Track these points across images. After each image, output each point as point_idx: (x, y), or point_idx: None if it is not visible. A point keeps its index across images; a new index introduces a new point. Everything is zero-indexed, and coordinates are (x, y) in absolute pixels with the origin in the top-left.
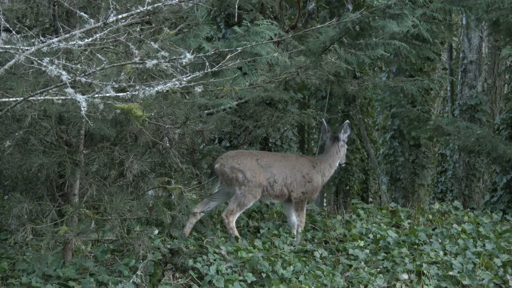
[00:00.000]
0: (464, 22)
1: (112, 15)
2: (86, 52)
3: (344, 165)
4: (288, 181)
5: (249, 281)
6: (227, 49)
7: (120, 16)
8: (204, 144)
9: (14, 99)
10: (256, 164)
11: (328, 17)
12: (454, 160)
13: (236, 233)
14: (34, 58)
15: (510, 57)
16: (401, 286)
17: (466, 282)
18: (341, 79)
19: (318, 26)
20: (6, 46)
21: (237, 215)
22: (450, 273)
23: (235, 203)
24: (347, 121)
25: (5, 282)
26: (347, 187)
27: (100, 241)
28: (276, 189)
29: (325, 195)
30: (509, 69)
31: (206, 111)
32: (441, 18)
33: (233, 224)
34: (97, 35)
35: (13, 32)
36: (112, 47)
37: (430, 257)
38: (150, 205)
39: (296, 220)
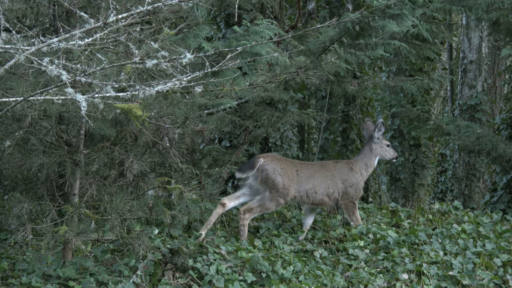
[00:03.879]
0: (464, 22)
1: (112, 15)
2: (86, 52)
3: (396, 161)
4: (330, 191)
5: (249, 281)
6: (227, 49)
7: (120, 16)
8: (204, 144)
9: (14, 99)
10: (296, 175)
11: (328, 17)
12: (454, 160)
13: (246, 232)
14: (34, 58)
15: (510, 57)
16: (401, 286)
17: (466, 282)
18: (341, 79)
19: (318, 26)
20: (6, 46)
21: (255, 215)
22: (450, 273)
23: (258, 203)
24: (381, 120)
25: (5, 282)
26: None
27: (100, 241)
28: (317, 198)
29: None
30: (509, 69)
31: (206, 111)
32: (441, 18)
33: (247, 222)
34: (97, 35)
35: (13, 32)
36: (112, 47)
37: (430, 257)
38: (150, 205)
39: (351, 223)
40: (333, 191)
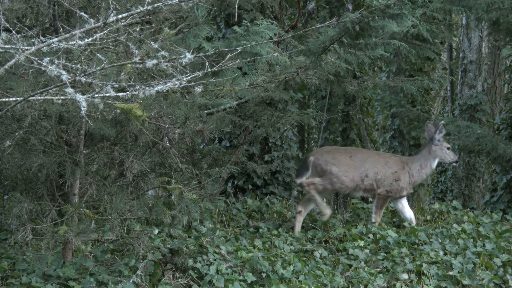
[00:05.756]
0: (464, 22)
1: (112, 15)
2: (86, 52)
3: (455, 164)
4: (379, 176)
5: (249, 281)
6: (227, 49)
7: (120, 16)
8: (204, 144)
9: (14, 99)
10: (350, 160)
11: (328, 17)
12: None
13: (320, 199)
14: (34, 58)
15: (510, 57)
16: (401, 286)
17: (466, 282)
18: (341, 79)
19: (318, 26)
20: (6, 46)
21: (320, 188)
22: (450, 273)
23: (322, 181)
24: (442, 121)
25: (5, 282)
26: None
27: (100, 241)
28: (367, 183)
29: None
30: (509, 69)
31: (206, 111)
32: (441, 18)
33: (314, 193)
34: (97, 35)
35: (13, 32)
36: (112, 47)
37: (430, 257)
38: (150, 205)
39: (373, 215)
40: (381, 177)
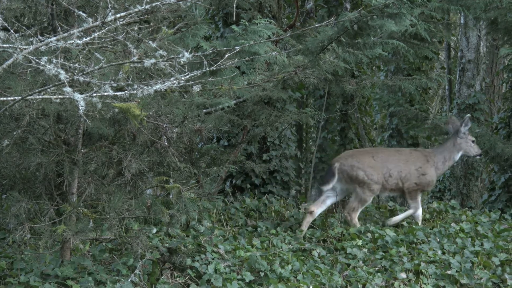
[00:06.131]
0: (462, 21)
1: (110, 14)
2: (84, 51)
3: (479, 157)
4: (403, 174)
5: (247, 280)
6: (225, 48)
7: (118, 15)
8: (202, 143)
9: (12, 98)
10: (373, 161)
11: (326, 16)
12: None
13: (358, 226)
14: (32, 57)
15: (508, 56)
16: (399, 285)
17: (464, 281)
18: (339, 78)
19: (316, 25)
20: (5, 45)
21: (359, 211)
22: (448, 272)
23: (356, 200)
24: (468, 115)
25: (4, 281)
26: None
27: (98, 240)
28: (392, 182)
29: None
30: (507, 68)
31: (204, 110)
32: (439, 17)
33: (355, 220)
34: (95, 34)
35: (11, 31)
36: (110, 46)
37: (428, 256)
38: (148, 204)
39: (411, 209)
40: (405, 175)
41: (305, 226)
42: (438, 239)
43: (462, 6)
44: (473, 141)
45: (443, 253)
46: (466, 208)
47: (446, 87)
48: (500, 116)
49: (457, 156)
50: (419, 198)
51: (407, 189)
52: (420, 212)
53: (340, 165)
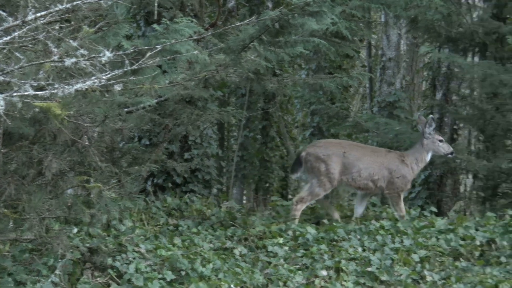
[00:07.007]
0: (383, 20)
1: (30, 13)
2: (4, 51)
3: (451, 156)
4: (375, 177)
5: (168, 279)
6: (146, 47)
7: (39, 14)
8: (124, 142)
9: None
10: (342, 157)
11: (248, 15)
12: None
13: (296, 221)
14: None
15: (428, 54)
16: (320, 283)
17: (384, 278)
18: (260, 77)
19: (238, 24)
20: None
21: (307, 204)
22: (369, 269)
23: (308, 192)
24: (431, 115)
25: None
26: (267, 184)
27: (19, 241)
28: (360, 182)
29: (244, 192)
30: (427, 66)
31: (125, 109)
32: (360, 15)
33: (298, 212)
34: (16, 33)
35: None
36: (31, 45)
37: (349, 254)
38: (69, 204)
39: (395, 213)
40: (378, 178)
41: (335, 216)
42: (358, 237)
43: (383, 4)
44: (440, 141)
45: (364, 250)
46: (387, 205)
47: (367, 85)
48: (420, 113)
49: (428, 157)
50: (402, 204)
51: (388, 194)
52: (403, 218)
53: (306, 154)
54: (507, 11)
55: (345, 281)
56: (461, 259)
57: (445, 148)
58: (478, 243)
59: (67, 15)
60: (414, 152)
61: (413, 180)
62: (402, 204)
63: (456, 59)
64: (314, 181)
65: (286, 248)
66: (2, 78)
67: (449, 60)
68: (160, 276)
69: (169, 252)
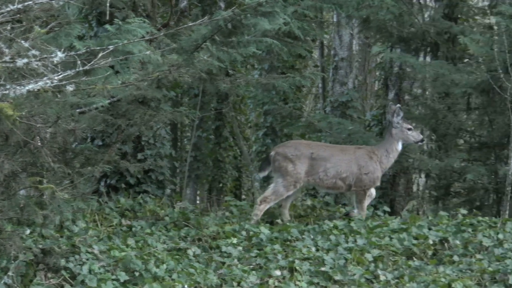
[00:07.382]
0: (335, 20)
1: None
2: None
3: (421, 143)
4: (344, 175)
5: (122, 280)
6: (98, 48)
7: None
8: (77, 143)
9: None
10: (310, 157)
11: (201, 15)
12: None
13: (256, 221)
14: None
15: (380, 54)
16: (274, 283)
17: (338, 277)
18: (213, 77)
19: (190, 24)
20: None
21: (270, 205)
22: (322, 268)
23: (272, 191)
24: (398, 105)
25: None
26: (220, 185)
27: None
28: (328, 181)
29: (198, 192)
30: (379, 66)
31: (78, 110)
32: (312, 15)
33: (260, 213)
34: None
35: None
36: None
37: (303, 253)
38: (22, 205)
39: (356, 212)
40: (347, 175)
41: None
42: (312, 236)
43: (335, 4)
44: (409, 129)
45: (317, 250)
46: (340, 205)
47: (320, 85)
48: (373, 113)
49: (399, 146)
50: (365, 203)
51: (355, 191)
52: (362, 217)
53: (275, 153)
54: (458, 11)
55: (299, 281)
56: (414, 258)
57: (414, 136)
58: (431, 242)
59: (18, 15)
60: (384, 144)
61: (383, 175)
62: (365, 204)
63: (408, 59)
64: (280, 180)
65: (240, 248)
66: None
67: (401, 60)
68: (113, 277)
69: (123, 253)
